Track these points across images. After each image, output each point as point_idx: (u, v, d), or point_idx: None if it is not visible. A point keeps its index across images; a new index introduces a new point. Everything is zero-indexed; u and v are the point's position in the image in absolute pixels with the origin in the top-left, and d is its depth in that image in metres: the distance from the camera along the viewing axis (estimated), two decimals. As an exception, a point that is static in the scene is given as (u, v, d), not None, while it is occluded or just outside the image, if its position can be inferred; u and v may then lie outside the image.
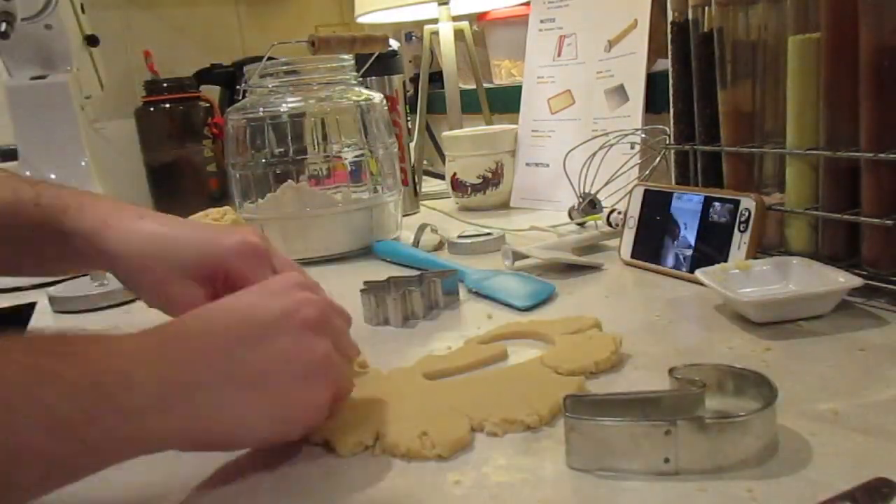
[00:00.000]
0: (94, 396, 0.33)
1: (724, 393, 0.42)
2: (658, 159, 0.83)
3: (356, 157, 0.94)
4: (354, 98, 0.95)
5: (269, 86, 0.94)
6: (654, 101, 0.98)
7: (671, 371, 0.43)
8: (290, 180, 0.92)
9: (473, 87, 1.36)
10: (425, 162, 1.48)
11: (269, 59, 0.94)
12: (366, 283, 0.70)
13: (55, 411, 0.31)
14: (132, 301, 0.82)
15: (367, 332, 0.65)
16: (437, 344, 0.60)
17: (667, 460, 0.37)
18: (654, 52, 0.99)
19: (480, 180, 1.16)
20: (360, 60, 1.00)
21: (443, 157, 1.31)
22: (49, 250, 0.53)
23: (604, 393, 0.44)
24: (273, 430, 0.41)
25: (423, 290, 0.68)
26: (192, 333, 0.40)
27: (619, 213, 0.84)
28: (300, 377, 0.41)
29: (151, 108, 1.38)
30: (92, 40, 1.23)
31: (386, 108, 0.99)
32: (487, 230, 0.93)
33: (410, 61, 1.65)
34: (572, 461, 0.39)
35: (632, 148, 0.94)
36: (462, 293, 0.72)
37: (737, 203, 0.67)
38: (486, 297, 0.71)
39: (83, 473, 0.34)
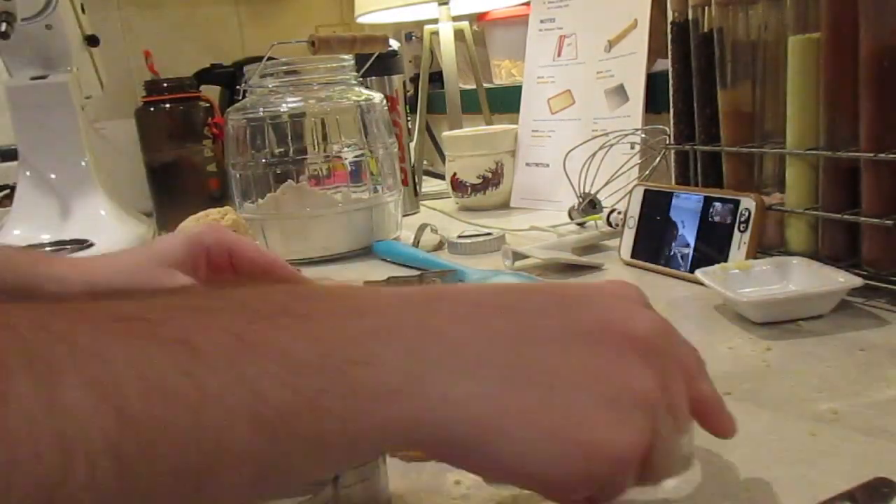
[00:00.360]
0: (322, 381, 0.24)
1: None
2: (658, 159, 0.83)
3: (356, 157, 0.94)
4: (354, 98, 0.95)
5: (270, 86, 0.94)
6: (654, 101, 0.98)
7: None
8: (290, 180, 0.92)
9: (473, 87, 1.36)
10: (425, 162, 1.48)
11: (269, 59, 0.94)
12: (366, 283, 0.70)
13: (268, 400, 0.23)
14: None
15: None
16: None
17: None
18: (654, 52, 0.99)
19: (480, 180, 1.16)
20: (360, 60, 1.00)
21: (443, 157, 1.31)
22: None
23: None
24: (539, 459, 0.27)
25: None
26: (459, 299, 0.29)
27: (619, 213, 0.84)
28: (602, 404, 0.27)
29: (151, 108, 1.38)
30: (92, 40, 1.23)
31: (386, 108, 0.99)
32: (487, 230, 0.93)
33: (410, 61, 1.65)
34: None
35: (632, 148, 0.94)
36: None
37: (737, 203, 0.67)
38: None
39: (306, 476, 0.27)
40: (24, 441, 0.20)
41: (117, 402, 0.21)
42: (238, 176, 0.95)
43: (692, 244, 0.70)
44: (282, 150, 0.92)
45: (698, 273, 0.62)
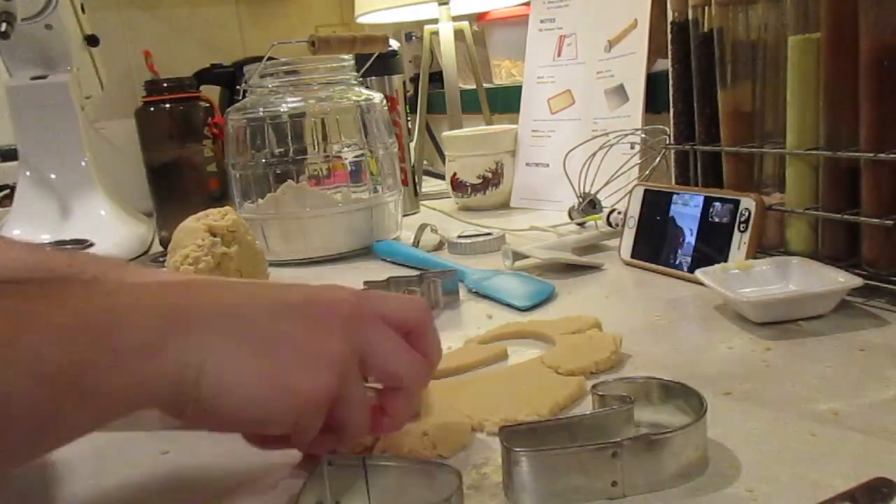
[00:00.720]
0: (85, 339, 0.30)
1: (651, 406, 0.42)
2: (658, 159, 0.83)
3: (356, 157, 0.94)
4: (354, 98, 0.95)
5: (269, 86, 0.94)
6: (654, 101, 0.98)
7: (593, 388, 0.42)
8: (290, 180, 0.92)
9: (473, 87, 1.36)
10: (425, 162, 1.48)
11: (269, 59, 0.94)
12: (366, 283, 0.70)
13: (43, 358, 0.29)
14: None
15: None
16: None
17: (614, 484, 0.36)
18: (654, 52, 0.99)
19: (480, 180, 1.16)
20: (360, 60, 1.00)
21: (443, 157, 1.31)
22: None
23: (533, 420, 0.42)
24: (256, 402, 0.35)
25: (423, 289, 0.68)
26: (199, 281, 0.38)
27: (619, 213, 0.84)
28: (301, 362, 0.36)
29: (151, 108, 1.38)
30: (92, 40, 1.23)
31: (386, 108, 0.99)
32: (487, 230, 0.93)
33: (410, 61, 1.65)
34: (514, 497, 0.36)
35: (632, 148, 0.94)
36: (462, 293, 0.72)
37: (737, 203, 0.67)
38: (486, 297, 0.71)
39: (80, 430, 0.32)
40: None
41: None
42: (238, 176, 0.95)
43: (692, 244, 0.70)
44: (282, 150, 0.92)
45: (698, 273, 0.62)
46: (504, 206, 1.17)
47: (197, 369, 0.33)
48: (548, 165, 1.13)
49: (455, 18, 1.30)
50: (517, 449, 0.36)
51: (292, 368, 0.35)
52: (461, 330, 0.63)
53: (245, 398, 0.35)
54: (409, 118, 1.24)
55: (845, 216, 0.60)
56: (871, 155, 0.57)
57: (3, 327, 0.29)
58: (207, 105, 1.40)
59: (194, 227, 0.69)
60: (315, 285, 0.41)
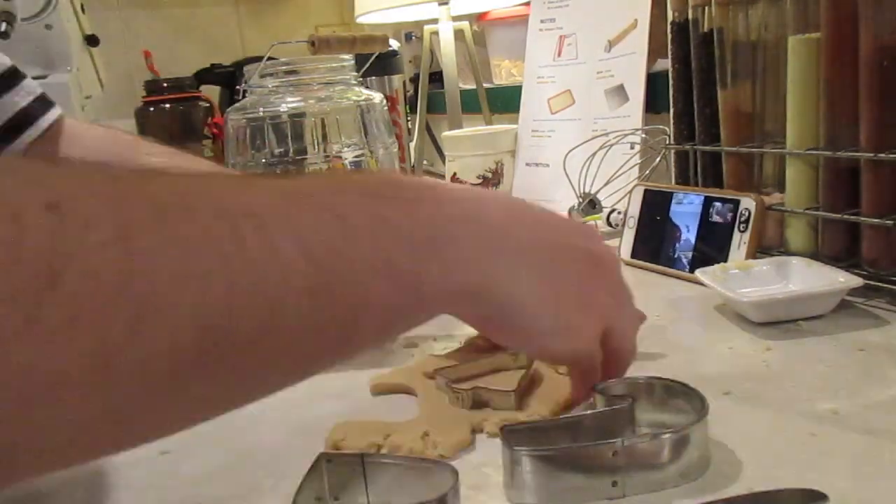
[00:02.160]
0: (428, 251, 0.33)
1: (654, 405, 0.42)
2: (658, 159, 0.83)
3: (356, 157, 0.94)
4: (354, 98, 0.95)
5: (269, 86, 0.94)
6: (654, 101, 0.98)
7: (595, 388, 0.42)
8: (290, 180, 0.92)
9: (473, 87, 1.36)
10: (425, 162, 1.48)
11: (269, 59, 0.94)
12: None
13: (397, 265, 0.32)
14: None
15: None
16: (442, 344, 0.60)
17: (614, 483, 0.36)
18: (654, 52, 0.99)
19: (480, 180, 1.16)
20: (360, 60, 1.00)
21: (443, 157, 1.31)
22: None
23: (535, 420, 0.43)
24: (548, 336, 0.39)
25: None
26: (507, 206, 0.40)
27: (619, 213, 0.84)
28: (580, 306, 0.40)
29: (151, 108, 1.38)
30: (92, 40, 1.23)
31: (386, 108, 0.99)
32: (487, 230, 0.93)
33: (410, 61, 1.66)
34: (514, 496, 0.37)
35: (632, 148, 0.94)
36: None
37: (737, 203, 0.67)
38: None
39: (414, 324, 0.35)
40: (253, 273, 0.26)
41: (307, 253, 0.28)
42: (238, 176, 0.95)
43: (692, 244, 0.70)
44: (282, 150, 0.92)
45: (698, 273, 0.62)
46: (504, 206, 1.17)
47: (505, 294, 0.37)
48: (548, 165, 1.13)
49: (455, 18, 1.30)
50: (518, 448, 0.36)
51: (572, 311, 0.40)
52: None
53: (537, 330, 0.39)
54: (409, 118, 1.24)
55: (845, 216, 0.60)
56: (871, 155, 0.57)
57: (366, 232, 0.31)
58: (207, 105, 1.40)
59: None
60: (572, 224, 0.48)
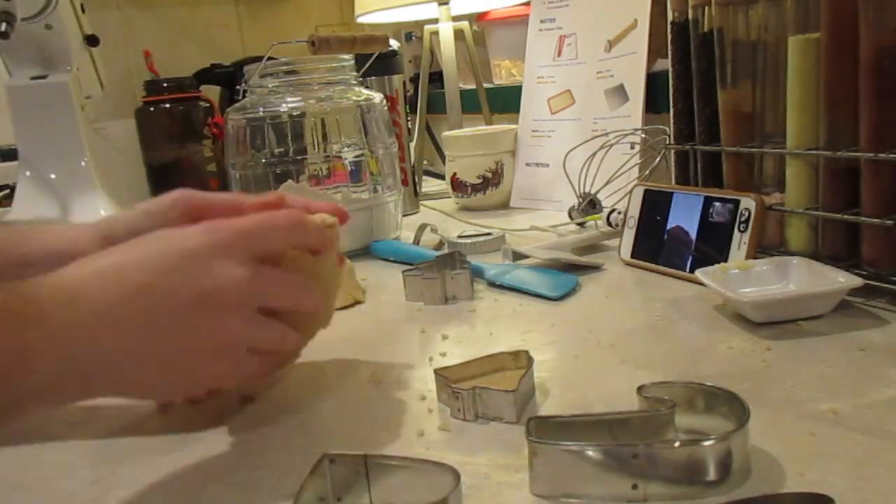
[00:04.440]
0: None
1: (695, 411, 0.41)
2: (658, 159, 0.83)
3: (356, 157, 0.94)
4: (354, 98, 0.95)
5: (269, 86, 0.94)
6: (654, 101, 0.98)
7: (639, 390, 0.41)
8: (290, 180, 0.92)
9: (473, 87, 1.36)
10: (425, 162, 1.48)
11: (270, 59, 0.94)
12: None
13: None
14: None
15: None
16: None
17: (635, 486, 0.35)
18: (654, 52, 0.99)
19: (480, 180, 1.16)
20: (360, 60, 1.00)
21: (443, 157, 1.31)
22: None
23: (570, 414, 0.42)
24: (172, 394, 0.45)
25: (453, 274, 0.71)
26: (100, 304, 0.40)
27: (619, 213, 0.84)
28: (209, 353, 0.42)
29: (151, 108, 1.38)
30: (92, 40, 1.23)
31: (386, 108, 0.99)
32: (487, 230, 0.93)
33: (410, 61, 1.65)
34: (536, 487, 0.37)
35: (632, 148, 0.94)
36: (480, 286, 0.73)
37: (737, 203, 0.67)
38: (509, 289, 0.72)
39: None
40: None
41: None
42: (238, 176, 0.95)
43: (692, 244, 0.70)
44: (282, 149, 0.92)
45: (698, 273, 0.62)
46: (504, 206, 1.17)
47: (106, 390, 0.41)
48: (548, 165, 1.13)
49: (455, 18, 1.30)
50: (535, 440, 0.37)
51: (200, 368, 0.42)
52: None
53: (143, 386, 0.43)
54: (409, 118, 1.24)
55: (845, 216, 0.60)
56: (871, 155, 0.57)
57: None
58: (207, 105, 1.40)
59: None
60: (190, 249, 0.43)
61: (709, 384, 0.41)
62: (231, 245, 0.43)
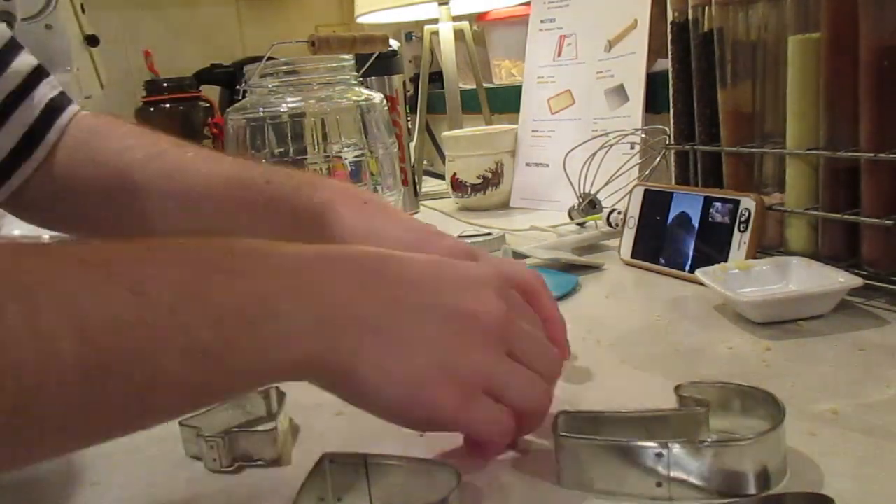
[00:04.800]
0: (237, 326, 0.32)
1: (731, 412, 0.40)
2: (658, 159, 0.83)
3: (356, 157, 0.94)
4: (354, 98, 0.95)
5: (269, 86, 0.94)
6: (654, 101, 0.98)
7: (677, 389, 0.41)
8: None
9: (473, 87, 1.36)
10: (425, 162, 1.48)
11: (270, 59, 0.94)
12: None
13: (195, 338, 0.30)
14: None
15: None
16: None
17: (659, 484, 0.35)
18: (654, 52, 0.99)
19: (480, 180, 1.16)
20: (360, 60, 1.00)
21: (443, 157, 1.31)
22: (282, 224, 0.55)
23: (601, 409, 0.42)
24: (393, 406, 0.37)
25: None
26: (360, 268, 0.38)
27: (619, 213, 0.84)
28: (436, 374, 0.37)
29: (151, 108, 1.38)
30: (92, 40, 1.23)
31: (386, 108, 0.99)
32: (487, 230, 0.93)
33: (410, 61, 1.66)
34: (564, 481, 0.37)
35: (632, 148, 0.94)
36: None
37: (737, 203, 0.67)
38: None
39: (224, 398, 0.36)
40: (11, 352, 0.25)
41: (82, 331, 0.27)
42: (238, 176, 0.95)
43: (692, 244, 0.70)
44: (282, 150, 0.92)
45: (698, 273, 0.62)
46: (504, 206, 1.17)
47: (344, 367, 0.35)
48: (548, 165, 1.13)
49: (455, 18, 1.30)
50: (563, 434, 0.37)
51: (426, 380, 0.37)
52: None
53: (383, 403, 0.37)
54: (409, 118, 1.24)
55: (845, 216, 0.60)
56: (871, 155, 0.57)
57: (166, 300, 0.30)
58: (207, 105, 1.40)
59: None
60: (460, 276, 0.40)
61: (745, 384, 0.41)
62: (507, 289, 0.41)
